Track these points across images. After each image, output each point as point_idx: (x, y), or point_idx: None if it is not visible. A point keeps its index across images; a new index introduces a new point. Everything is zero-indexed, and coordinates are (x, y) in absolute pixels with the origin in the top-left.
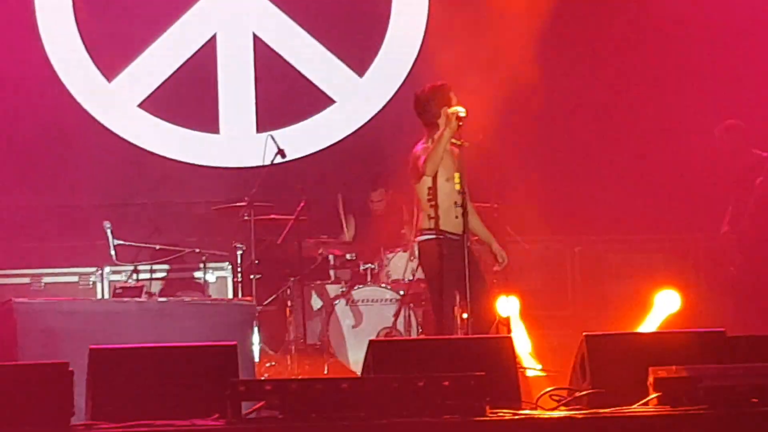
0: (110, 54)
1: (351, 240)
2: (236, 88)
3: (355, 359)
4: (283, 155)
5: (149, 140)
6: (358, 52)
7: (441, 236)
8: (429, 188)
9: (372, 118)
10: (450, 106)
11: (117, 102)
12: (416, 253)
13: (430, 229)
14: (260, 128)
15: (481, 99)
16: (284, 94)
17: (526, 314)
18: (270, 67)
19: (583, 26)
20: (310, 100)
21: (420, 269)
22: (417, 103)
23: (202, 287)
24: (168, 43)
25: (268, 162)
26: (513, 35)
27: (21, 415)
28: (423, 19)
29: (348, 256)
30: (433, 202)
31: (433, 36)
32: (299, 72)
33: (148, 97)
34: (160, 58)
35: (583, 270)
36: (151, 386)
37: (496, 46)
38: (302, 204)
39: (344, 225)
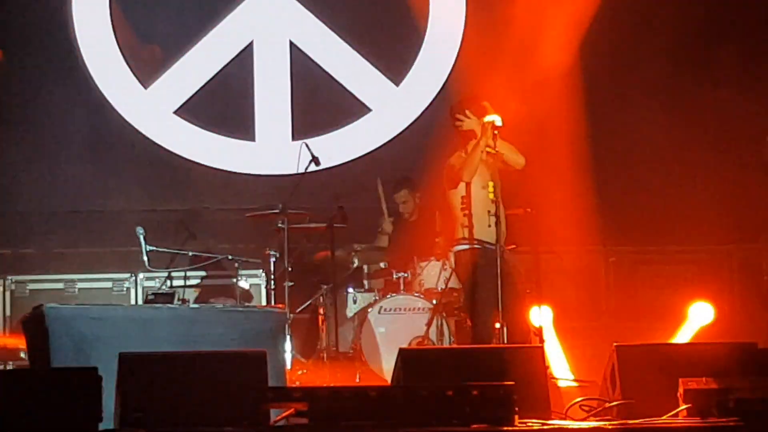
0: (146, 60)
1: (385, 245)
2: (272, 96)
3: (387, 368)
4: (317, 163)
5: (185, 147)
6: (395, 61)
7: (477, 245)
8: (462, 197)
9: (408, 126)
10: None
11: (153, 108)
12: (452, 262)
13: (464, 239)
14: (296, 136)
15: (517, 108)
16: (320, 102)
17: (559, 324)
18: (306, 74)
19: (619, 34)
20: (346, 108)
21: (456, 278)
22: (452, 112)
23: (235, 294)
24: (204, 50)
25: (302, 170)
26: (549, 46)
27: (49, 420)
28: (460, 29)
29: (381, 265)
30: (466, 211)
31: (469, 45)
32: (335, 80)
33: (184, 103)
34: (197, 65)
35: (616, 281)
36: (180, 393)
37: (532, 57)
38: (336, 212)
39: (384, 210)
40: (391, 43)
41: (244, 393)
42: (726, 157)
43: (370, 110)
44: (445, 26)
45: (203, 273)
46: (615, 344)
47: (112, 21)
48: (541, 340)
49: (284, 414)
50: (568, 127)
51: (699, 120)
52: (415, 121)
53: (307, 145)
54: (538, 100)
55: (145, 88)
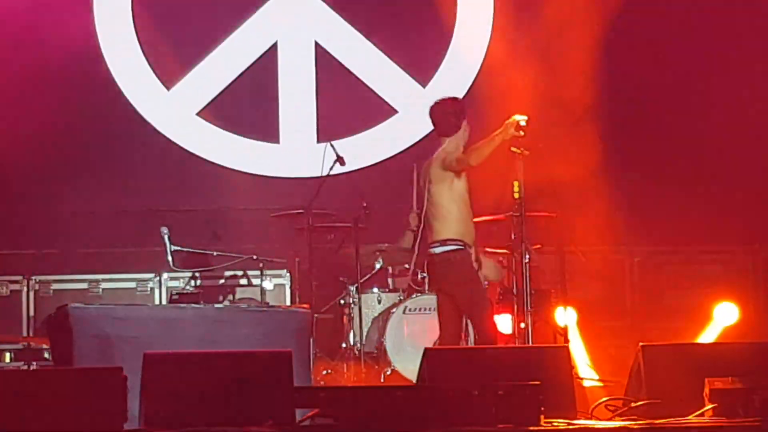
0: (169, 61)
1: (410, 246)
2: (297, 97)
3: (412, 368)
4: (342, 162)
5: (208, 149)
6: (422, 62)
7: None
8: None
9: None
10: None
11: (176, 110)
12: (447, 261)
13: (461, 240)
14: (321, 138)
15: (543, 109)
16: (346, 104)
17: (584, 324)
18: (331, 76)
19: (643, 38)
20: (372, 110)
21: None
22: (437, 112)
23: (260, 294)
24: (228, 51)
25: (327, 170)
26: (576, 47)
27: (75, 420)
28: (487, 30)
29: (406, 265)
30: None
31: (496, 46)
32: (361, 81)
33: (208, 105)
34: (220, 66)
35: (641, 281)
36: (205, 392)
37: (558, 57)
38: (361, 211)
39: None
40: (418, 44)
41: (270, 393)
42: (751, 157)
43: (396, 112)
44: (473, 27)
45: (227, 273)
46: (641, 344)
47: (134, 21)
48: (566, 340)
49: (310, 414)
50: (593, 127)
51: (722, 119)
52: None
53: (332, 145)
54: (563, 101)
55: (168, 89)
